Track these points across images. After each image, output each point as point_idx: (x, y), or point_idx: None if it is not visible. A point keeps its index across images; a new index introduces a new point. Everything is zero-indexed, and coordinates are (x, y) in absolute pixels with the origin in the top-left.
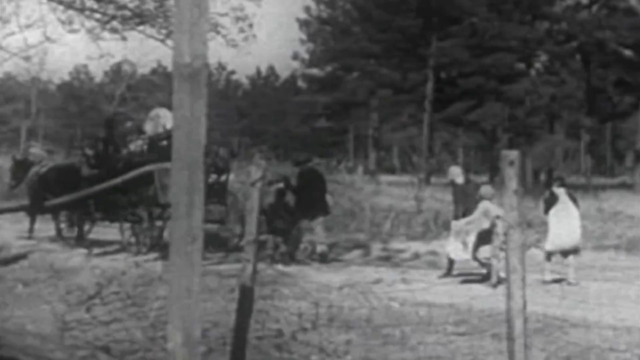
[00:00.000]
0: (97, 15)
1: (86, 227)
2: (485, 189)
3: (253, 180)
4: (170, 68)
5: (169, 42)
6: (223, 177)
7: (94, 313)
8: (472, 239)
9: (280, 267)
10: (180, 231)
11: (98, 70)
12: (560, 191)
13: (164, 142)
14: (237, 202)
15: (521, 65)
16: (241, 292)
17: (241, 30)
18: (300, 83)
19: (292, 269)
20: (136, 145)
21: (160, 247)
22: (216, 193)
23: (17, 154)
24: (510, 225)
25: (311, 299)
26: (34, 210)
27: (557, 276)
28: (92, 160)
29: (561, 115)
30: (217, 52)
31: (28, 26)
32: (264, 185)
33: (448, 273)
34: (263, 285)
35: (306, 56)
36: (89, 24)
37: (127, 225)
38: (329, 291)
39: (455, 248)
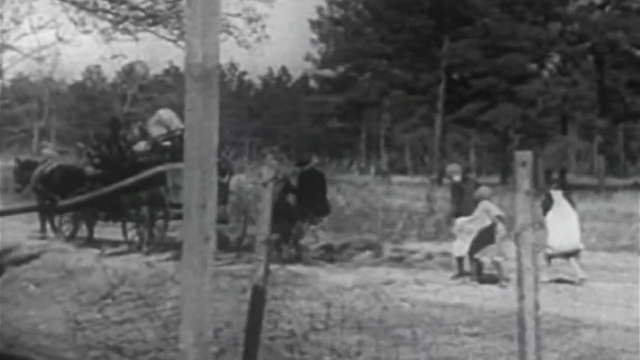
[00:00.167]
0: (110, 16)
1: (73, 226)
2: (484, 190)
3: (265, 180)
4: (182, 69)
5: (182, 42)
6: (225, 178)
7: (106, 313)
8: (472, 236)
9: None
10: (192, 231)
11: (110, 71)
12: (557, 193)
13: (168, 143)
14: (239, 201)
15: (533, 66)
16: (253, 293)
17: (253, 31)
18: (313, 84)
19: (304, 269)
20: (140, 145)
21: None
22: (218, 193)
23: (21, 155)
24: (522, 225)
25: (323, 300)
26: (47, 210)
27: (558, 276)
28: (96, 160)
29: (574, 116)
30: (229, 52)
31: (41, 27)
32: (276, 186)
33: (460, 274)
34: (275, 285)
35: (318, 57)
36: (102, 24)
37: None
38: (340, 292)
39: (458, 246)
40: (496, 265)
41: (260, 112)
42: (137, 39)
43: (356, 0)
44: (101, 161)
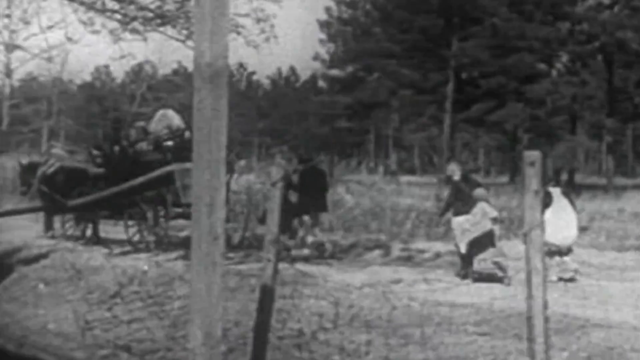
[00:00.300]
0: (119, 16)
1: (83, 225)
2: (480, 192)
3: (274, 180)
4: (191, 68)
5: (190, 42)
6: (226, 177)
7: (114, 312)
8: (470, 236)
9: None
10: (201, 230)
11: (119, 71)
12: (555, 191)
13: (169, 143)
14: (240, 201)
15: (542, 66)
16: (262, 292)
17: (262, 31)
18: (321, 83)
19: (313, 268)
20: (142, 145)
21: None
22: None
23: (23, 158)
24: (530, 225)
25: (332, 299)
26: (56, 210)
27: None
28: (98, 159)
29: (583, 115)
30: (238, 52)
31: (50, 27)
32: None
33: (466, 273)
34: (284, 284)
35: (327, 57)
36: (111, 24)
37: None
38: (349, 291)
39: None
40: (498, 265)
41: (268, 112)
42: (145, 39)
43: (365, 0)
44: (103, 160)
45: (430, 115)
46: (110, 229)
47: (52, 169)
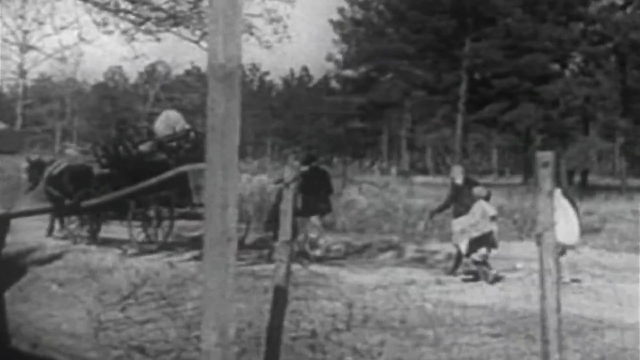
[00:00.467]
0: (132, 17)
1: (88, 226)
2: (479, 190)
3: (287, 181)
4: (204, 69)
5: (203, 43)
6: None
7: (128, 313)
8: (469, 237)
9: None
10: (214, 231)
11: (132, 71)
12: (556, 191)
13: (173, 143)
14: (242, 200)
15: (556, 66)
16: (275, 293)
17: (275, 32)
18: (334, 84)
19: (325, 269)
20: (146, 146)
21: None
22: None
23: (31, 155)
24: (544, 226)
25: (345, 300)
26: (69, 211)
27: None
28: (103, 160)
29: (596, 116)
30: (251, 53)
31: (63, 28)
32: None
33: (455, 269)
34: (297, 285)
35: (340, 57)
36: (124, 25)
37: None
38: (362, 292)
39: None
40: (482, 263)
41: (281, 113)
42: (159, 40)
43: (377, 0)
44: (108, 161)
45: (443, 116)
46: (117, 229)
47: (58, 169)
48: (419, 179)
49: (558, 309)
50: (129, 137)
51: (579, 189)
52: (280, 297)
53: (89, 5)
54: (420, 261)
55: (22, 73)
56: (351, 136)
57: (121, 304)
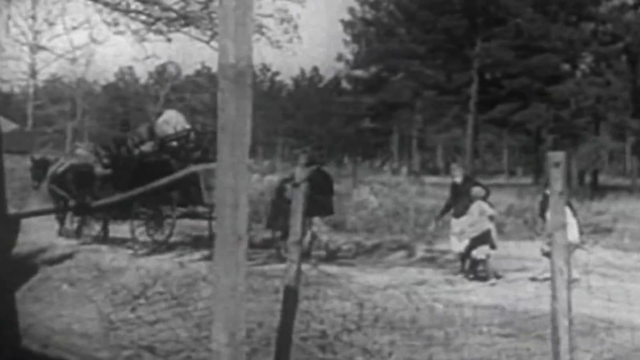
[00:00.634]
0: (143, 17)
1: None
2: (477, 191)
3: (297, 181)
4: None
5: (214, 43)
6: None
7: (138, 313)
8: (468, 236)
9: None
10: (225, 231)
11: (143, 72)
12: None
13: (175, 143)
14: (258, 201)
15: (566, 66)
16: (285, 293)
17: (285, 32)
18: (345, 84)
19: (335, 269)
20: (147, 145)
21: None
22: None
23: (35, 154)
24: (555, 226)
25: (355, 300)
26: (78, 211)
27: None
28: (105, 160)
29: (606, 116)
30: (262, 53)
31: (74, 28)
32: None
33: (462, 270)
34: (307, 285)
35: (350, 57)
36: (135, 25)
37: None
38: (373, 292)
39: (455, 243)
40: (485, 263)
41: (292, 113)
42: (169, 40)
43: (388, 0)
44: (110, 161)
45: (454, 116)
46: (118, 228)
47: (62, 168)
48: (430, 179)
49: (569, 309)
50: (130, 137)
51: (590, 189)
52: (290, 297)
53: (100, 5)
54: (431, 261)
55: (33, 73)
56: (362, 136)
57: (132, 304)
